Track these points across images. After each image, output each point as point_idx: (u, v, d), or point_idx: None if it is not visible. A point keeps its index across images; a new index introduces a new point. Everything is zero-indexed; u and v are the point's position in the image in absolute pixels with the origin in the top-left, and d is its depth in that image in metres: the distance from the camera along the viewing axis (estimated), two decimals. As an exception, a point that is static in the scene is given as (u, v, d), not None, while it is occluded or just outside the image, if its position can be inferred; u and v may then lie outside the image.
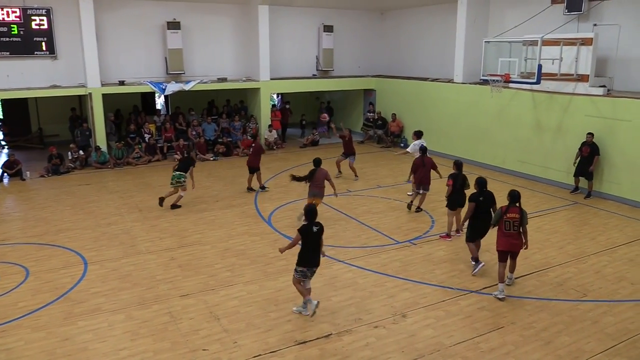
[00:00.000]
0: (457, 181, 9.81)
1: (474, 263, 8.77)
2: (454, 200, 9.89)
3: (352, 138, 14.67)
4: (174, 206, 12.04)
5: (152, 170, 16.05)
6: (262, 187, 13.55)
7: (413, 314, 7.33)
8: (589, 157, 12.71)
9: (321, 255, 7.27)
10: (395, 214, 11.75)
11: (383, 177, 15.09)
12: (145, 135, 17.59)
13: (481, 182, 8.53)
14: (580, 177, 13.11)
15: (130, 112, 19.07)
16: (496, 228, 7.85)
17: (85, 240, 10.13)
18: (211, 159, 17.45)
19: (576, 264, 9.06)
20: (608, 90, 13.12)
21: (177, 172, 11.91)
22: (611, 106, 12.63)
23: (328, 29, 20.24)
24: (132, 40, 17.49)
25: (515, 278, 8.38)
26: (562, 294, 7.96)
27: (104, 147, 16.60)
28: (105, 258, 9.25)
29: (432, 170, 11.50)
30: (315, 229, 7.06)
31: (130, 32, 17.43)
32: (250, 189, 13.50)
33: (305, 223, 7.08)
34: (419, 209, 11.78)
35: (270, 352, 6.38)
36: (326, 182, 10.83)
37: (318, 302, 7.10)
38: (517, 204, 7.62)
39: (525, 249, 7.87)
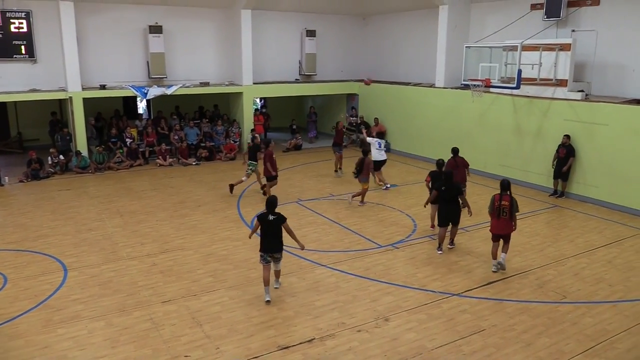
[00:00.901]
0: (437, 181, 10.16)
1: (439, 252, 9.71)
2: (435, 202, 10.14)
3: (342, 130, 16.11)
4: (232, 186, 13.54)
5: (134, 175, 15.92)
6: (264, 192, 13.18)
7: (396, 317, 7.36)
8: (565, 158, 12.98)
9: (300, 247, 8.03)
10: (378, 218, 11.80)
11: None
12: (127, 139, 17.44)
13: (445, 174, 9.85)
14: (558, 180, 13.36)
15: (111, 116, 18.89)
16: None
17: (65, 246, 10.00)
18: (194, 163, 17.36)
19: (556, 266, 9.19)
20: (586, 95, 13.35)
21: (249, 162, 13.49)
22: (589, 111, 12.85)
23: (311, 33, 20.29)
24: (113, 44, 17.35)
25: (495, 281, 8.50)
26: (542, 296, 8.06)
27: (84, 152, 16.41)
28: (86, 264, 9.14)
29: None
30: (271, 217, 7.71)
31: (112, 35, 17.28)
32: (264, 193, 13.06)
33: (265, 211, 7.83)
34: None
35: (253, 358, 6.35)
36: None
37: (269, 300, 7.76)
38: (508, 192, 8.60)
39: (514, 229, 8.79)
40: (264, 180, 13.47)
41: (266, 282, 7.80)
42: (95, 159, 16.37)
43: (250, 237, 8.42)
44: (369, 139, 14.48)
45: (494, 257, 8.91)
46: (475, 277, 8.71)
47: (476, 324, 7.20)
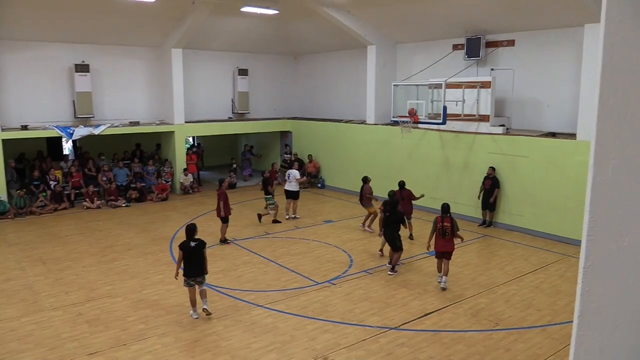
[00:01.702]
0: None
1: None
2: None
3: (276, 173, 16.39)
4: (275, 221, 14.35)
5: (59, 219, 15.12)
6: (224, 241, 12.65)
7: (335, 355, 7.27)
8: (490, 189, 13.61)
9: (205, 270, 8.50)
10: (314, 255, 11.77)
11: (301, 217, 15.13)
12: (51, 182, 16.61)
13: (389, 202, 10.72)
14: (486, 210, 13.93)
15: (34, 157, 17.99)
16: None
17: (-20, 299, 9.25)
18: (123, 205, 16.74)
19: (487, 294, 9.46)
20: (507, 129, 14.11)
21: (266, 196, 14.27)
22: (510, 143, 13.58)
23: (243, 72, 20.42)
24: (36, 83, 16.67)
25: (431, 313, 8.63)
26: (477, 325, 8.24)
27: (3, 196, 15.44)
28: (3, 318, 8.46)
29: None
30: (193, 244, 8.31)
31: (35, 74, 16.62)
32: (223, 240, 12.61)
33: (185, 240, 8.38)
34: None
35: (187, 408, 6.05)
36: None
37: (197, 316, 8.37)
38: (448, 215, 9.62)
39: (462, 240, 9.98)
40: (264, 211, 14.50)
41: (193, 304, 8.39)
42: (15, 204, 15.44)
43: (176, 277, 8.53)
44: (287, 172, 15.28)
45: (439, 270, 9.83)
46: (411, 309, 8.80)
47: (414, 357, 7.22)
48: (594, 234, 1.77)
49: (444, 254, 9.71)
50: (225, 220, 12.39)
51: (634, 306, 1.83)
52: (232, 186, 19.81)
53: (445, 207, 9.76)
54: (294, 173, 14.89)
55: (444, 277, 9.71)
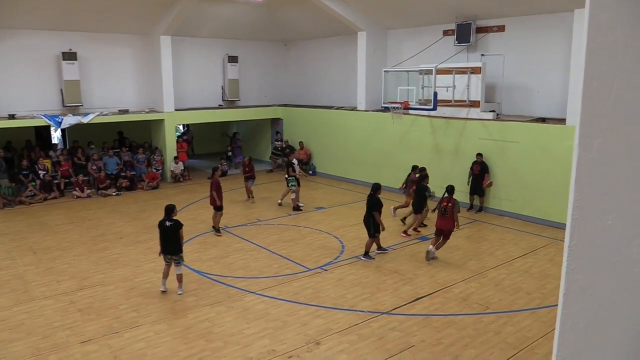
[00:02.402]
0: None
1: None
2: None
3: (252, 164, 15.92)
4: (296, 208, 14.46)
5: (48, 208, 15.03)
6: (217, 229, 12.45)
7: (327, 340, 7.33)
8: (479, 175, 13.68)
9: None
10: (306, 241, 11.80)
11: (292, 204, 15.13)
12: (40, 171, 16.49)
13: (373, 186, 10.67)
14: (474, 195, 14.01)
15: (22, 147, 17.83)
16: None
17: (-30, 289, 9.20)
18: (113, 194, 16.66)
19: (478, 279, 9.55)
20: (497, 114, 14.16)
21: (288, 178, 14.38)
22: (501, 129, 13.63)
23: (233, 59, 20.27)
24: (23, 72, 16.46)
25: (421, 297, 8.72)
26: (467, 309, 8.33)
27: (-8, 186, 15.33)
28: (-6, 307, 8.45)
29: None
30: (168, 223, 8.68)
31: (22, 62, 16.40)
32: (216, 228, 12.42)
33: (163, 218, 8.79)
34: None
35: (181, 394, 6.09)
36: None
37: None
38: (451, 196, 10.21)
39: (457, 228, 10.41)
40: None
41: (164, 276, 8.86)
42: (4, 193, 15.32)
43: (159, 254, 8.88)
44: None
45: (433, 244, 10.43)
46: (402, 294, 8.88)
47: (405, 341, 7.30)
48: (579, 213, 1.79)
49: (442, 231, 10.31)
50: (218, 208, 12.28)
51: (617, 285, 1.86)
52: (223, 174, 19.77)
53: (449, 189, 10.36)
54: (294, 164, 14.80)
55: (433, 247, 10.32)
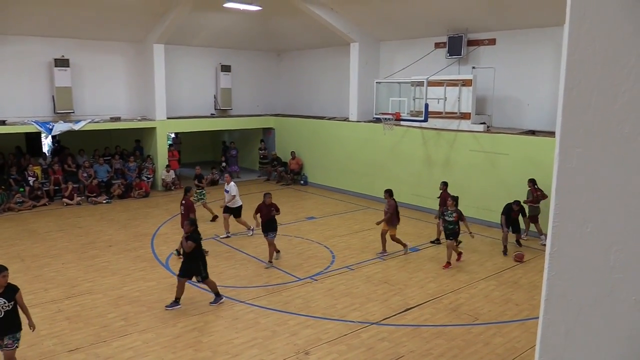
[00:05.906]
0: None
1: None
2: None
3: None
4: None
5: (38, 215, 14.92)
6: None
7: (316, 350, 7.31)
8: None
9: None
10: (296, 251, 11.80)
11: (283, 214, 15.09)
12: (30, 178, 16.39)
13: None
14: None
15: (11, 153, 17.72)
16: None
17: (-44, 296, 9.09)
18: (104, 201, 16.58)
19: (467, 290, 9.57)
20: (488, 127, 14.28)
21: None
22: (491, 141, 13.74)
23: (226, 68, 20.34)
24: (15, 78, 16.39)
25: (411, 308, 8.74)
26: (456, 319, 8.35)
27: (-19, 193, 15.21)
28: (-20, 315, 8.34)
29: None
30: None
31: (13, 69, 16.35)
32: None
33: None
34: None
35: (168, 403, 6.04)
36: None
37: None
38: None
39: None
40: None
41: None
42: (-7, 200, 15.21)
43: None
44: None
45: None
46: (392, 304, 8.88)
47: (395, 351, 7.30)
48: (560, 221, 1.83)
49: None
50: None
51: (596, 290, 1.90)
52: (214, 183, 19.75)
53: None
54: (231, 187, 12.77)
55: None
